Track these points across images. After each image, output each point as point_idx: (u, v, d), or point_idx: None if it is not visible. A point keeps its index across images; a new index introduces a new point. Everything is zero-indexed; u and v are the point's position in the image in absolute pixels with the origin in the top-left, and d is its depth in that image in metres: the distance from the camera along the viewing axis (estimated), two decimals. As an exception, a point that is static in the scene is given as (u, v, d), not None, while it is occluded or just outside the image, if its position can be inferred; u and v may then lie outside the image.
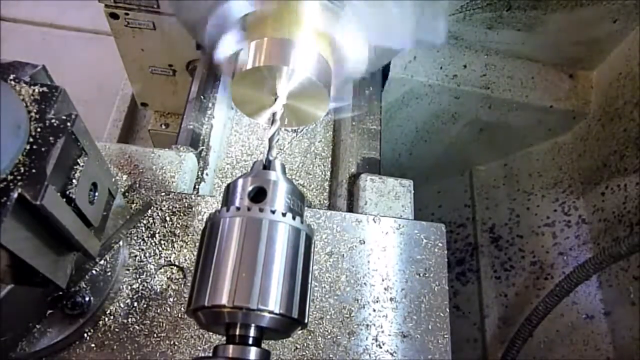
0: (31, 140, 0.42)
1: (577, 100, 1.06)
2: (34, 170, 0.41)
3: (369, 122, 0.94)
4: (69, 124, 0.44)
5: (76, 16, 2.32)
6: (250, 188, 0.48)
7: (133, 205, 0.66)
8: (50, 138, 0.43)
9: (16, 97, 0.44)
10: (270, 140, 0.55)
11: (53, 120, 0.44)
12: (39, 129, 0.43)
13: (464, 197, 1.29)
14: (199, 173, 0.82)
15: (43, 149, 0.42)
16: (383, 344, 0.63)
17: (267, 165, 0.51)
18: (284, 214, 0.46)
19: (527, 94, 1.08)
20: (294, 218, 0.46)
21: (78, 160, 0.47)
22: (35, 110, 0.44)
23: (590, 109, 1.06)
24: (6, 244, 0.38)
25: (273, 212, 0.45)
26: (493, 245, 1.20)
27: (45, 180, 0.41)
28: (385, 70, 1.04)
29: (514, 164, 1.22)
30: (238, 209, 0.45)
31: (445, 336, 0.65)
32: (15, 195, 0.39)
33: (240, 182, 0.49)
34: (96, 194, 0.51)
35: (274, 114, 0.57)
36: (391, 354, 0.63)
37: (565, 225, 1.05)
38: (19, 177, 0.40)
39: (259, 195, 0.47)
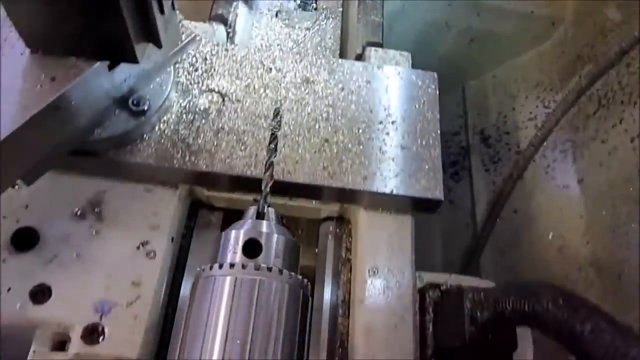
0: None
1: (555, 6, 1.20)
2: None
3: (373, 14, 1.07)
4: None
5: None
6: (244, 241, 0.44)
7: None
8: None
9: None
10: (264, 187, 0.51)
11: None
12: None
13: (458, 110, 1.43)
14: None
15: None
16: (386, 152, 0.77)
17: (262, 214, 0.48)
18: (280, 272, 0.43)
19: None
20: (290, 275, 0.43)
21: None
22: None
23: (567, 14, 1.19)
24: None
25: (269, 269, 0.42)
26: (483, 145, 1.34)
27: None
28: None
29: (501, 75, 1.36)
30: (232, 265, 0.42)
31: (436, 149, 0.78)
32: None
33: (233, 234, 0.45)
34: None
35: (268, 160, 0.54)
36: (392, 159, 0.77)
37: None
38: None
39: (253, 249, 0.44)
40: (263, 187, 0.51)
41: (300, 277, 0.45)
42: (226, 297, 0.41)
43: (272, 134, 0.56)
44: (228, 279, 0.41)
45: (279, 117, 0.56)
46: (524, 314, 0.53)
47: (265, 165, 0.52)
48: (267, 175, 0.52)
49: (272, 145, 0.55)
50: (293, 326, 0.42)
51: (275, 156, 0.54)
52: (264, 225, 0.46)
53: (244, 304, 0.40)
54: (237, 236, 0.45)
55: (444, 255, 1.26)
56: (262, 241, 0.44)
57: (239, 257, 0.43)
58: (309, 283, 0.46)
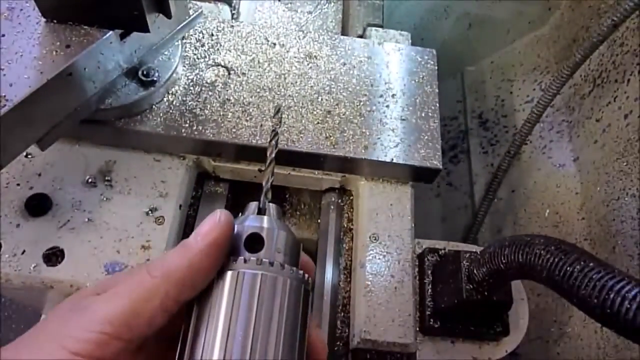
0: None
1: (551, -11, 1.22)
2: None
3: (373, -3, 1.10)
4: None
5: None
6: (245, 236, 0.44)
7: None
8: None
9: None
10: (265, 183, 0.50)
11: None
12: None
13: (457, 95, 1.46)
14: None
15: None
16: (386, 124, 0.80)
17: (263, 210, 0.48)
18: (282, 266, 0.43)
19: (508, -18, 1.24)
20: (292, 270, 0.43)
21: None
22: None
23: (563, -1, 1.22)
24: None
25: (271, 264, 0.42)
26: (481, 128, 1.36)
27: None
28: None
29: (499, 60, 1.39)
30: (234, 260, 0.42)
31: (435, 121, 0.81)
32: None
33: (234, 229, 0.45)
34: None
35: (269, 156, 0.52)
36: (393, 130, 0.79)
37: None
38: None
39: (255, 243, 0.44)
40: (264, 183, 0.49)
41: (301, 272, 0.44)
42: (227, 291, 0.41)
43: (273, 131, 0.53)
44: (229, 273, 0.41)
45: (279, 115, 0.56)
46: (519, 264, 0.55)
47: (266, 161, 0.51)
48: (269, 170, 0.50)
49: (274, 142, 0.52)
50: (294, 321, 0.42)
51: (276, 152, 0.52)
52: (265, 221, 0.45)
53: (246, 299, 0.40)
54: (238, 231, 0.44)
55: (443, 237, 1.28)
56: (264, 236, 0.44)
57: (241, 252, 0.43)
58: (309, 278, 0.46)
